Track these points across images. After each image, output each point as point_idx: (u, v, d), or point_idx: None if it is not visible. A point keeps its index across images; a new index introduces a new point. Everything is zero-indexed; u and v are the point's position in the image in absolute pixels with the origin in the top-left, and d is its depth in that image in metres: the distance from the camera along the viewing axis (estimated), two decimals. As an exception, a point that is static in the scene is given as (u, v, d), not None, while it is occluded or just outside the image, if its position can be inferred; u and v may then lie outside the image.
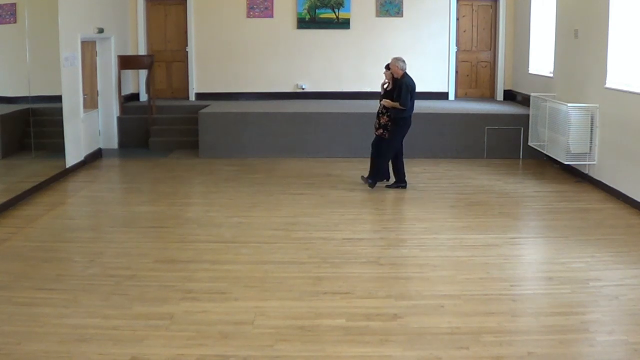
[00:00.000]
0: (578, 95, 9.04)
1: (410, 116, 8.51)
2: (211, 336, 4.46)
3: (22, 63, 8.72)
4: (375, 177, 8.68)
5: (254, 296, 5.16)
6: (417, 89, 8.19)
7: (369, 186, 8.61)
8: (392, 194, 8.44)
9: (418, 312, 4.87)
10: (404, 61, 8.43)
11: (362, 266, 5.84)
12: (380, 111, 8.69)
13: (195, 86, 12.63)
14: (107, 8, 11.24)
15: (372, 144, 8.79)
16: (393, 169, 8.81)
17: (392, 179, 8.79)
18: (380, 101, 8.73)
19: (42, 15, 9.02)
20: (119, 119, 11.52)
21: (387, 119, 8.56)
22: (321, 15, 12.45)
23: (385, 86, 8.75)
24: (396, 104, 8.34)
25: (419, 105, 11.46)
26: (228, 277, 5.54)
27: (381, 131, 8.63)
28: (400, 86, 8.32)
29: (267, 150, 10.65)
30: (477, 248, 6.32)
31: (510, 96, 12.50)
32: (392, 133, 8.53)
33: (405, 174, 8.72)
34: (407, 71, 8.38)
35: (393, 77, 8.53)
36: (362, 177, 8.88)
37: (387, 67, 8.63)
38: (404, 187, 8.66)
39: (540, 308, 5.01)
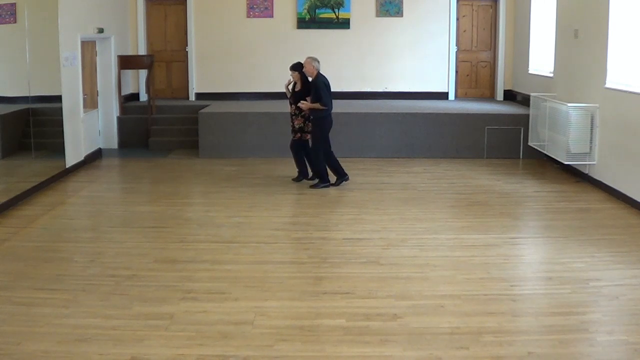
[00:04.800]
0: (578, 95, 9.04)
1: (330, 114, 8.50)
2: (211, 336, 4.46)
3: (22, 63, 8.72)
4: (321, 179, 8.63)
5: (254, 296, 5.16)
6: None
7: (312, 187, 8.58)
8: (391, 194, 8.43)
9: (418, 312, 4.86)
10: (318, 61, 8.45)
11: (362, 266, 5.84)
12: (293, 113, 8.64)
13: (195, 86, 12.63)
14: (107, 8, 11.24)
15: (290, 147, 8.78)
16: (329, 168, 8.77)
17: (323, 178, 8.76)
18: (290, 104, 8.67)
19: (42, 15, 9.02)
20: (119, 119, 11.52)
21: (301, 120, 8.55)
22: (321, 15, 12.45)
23: (290, 86, 8.66)
24: (316, 105, 8.31)
25: (419, 105, 11.57)
26: (228, 277, 5.54)
27: (299, 135, 8.61)
28: (316, 86, 8.31)
29: (267, 150, 10.64)
30: (477, 248, 6.32)
31: (510, 96, 12.50)
32: (315, 134, 8.51)
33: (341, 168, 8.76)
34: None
35: (302, 78, 8.50)
36: (295, 180, 8.86)
37: (293, 67, 8.57)
38: (336, 184, 8.68)
39: (540, 308, 5.01)
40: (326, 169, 8.66)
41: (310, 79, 8.50)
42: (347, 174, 8.76)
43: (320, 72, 8.47)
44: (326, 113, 8.41)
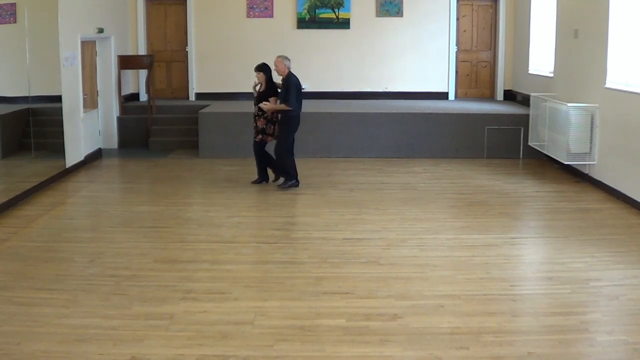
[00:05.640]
0: (578, 95, 9.04)
1: (299, 114, 8.46)
2: (211, 336, 4.46)
3: (22, 63, 8.72)
4: (287, 177, 8.57)
5: (254, 296, 5.17)
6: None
7: (280, 187, 8.53)
8: (391, 194, 8.43)
9: (418, 312, 4.86)
10: (289, 59, 8.42)
11: (362, 266, 5.84)
12: (256, 114, 8.58)
13: (195, 86, 12.63)
14: (107, 8, 11.24)
15: (254, 148, 8.70)
16: (260, 167, 8.74)
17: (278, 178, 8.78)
18: (255, 105, 8.58)
19: (42, 15, 9.02)
20: (119, 119, 11.52)
21: (264, 121, 8.50)
22: (321, 15, 12.45)
23: (257, 88, 8.60)
24: (281, 106, 8.27)
25: (419, 105, 11.57)
26: (228, 277, 5.54)
27: (260, 137, 8.56)
28: (287, 85, 8.28)
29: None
30: (477, 248, 6.32)
31: (510, 96, 12.51)
32: (281, 132, 8.45)
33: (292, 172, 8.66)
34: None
35: (266, 78, 8.44)
36: (273, 181, 8.81)
37: (258, 68, 8.49)
38: (280, 183, 8.68)
39: (540, 308, 5.01)
40: (294, 167, 8.58)
41: (281, 78, 8.45)
42: (298, 181, 8.65)
43: (291, 70, 8.43)
44: (294, 113, 8.37)
